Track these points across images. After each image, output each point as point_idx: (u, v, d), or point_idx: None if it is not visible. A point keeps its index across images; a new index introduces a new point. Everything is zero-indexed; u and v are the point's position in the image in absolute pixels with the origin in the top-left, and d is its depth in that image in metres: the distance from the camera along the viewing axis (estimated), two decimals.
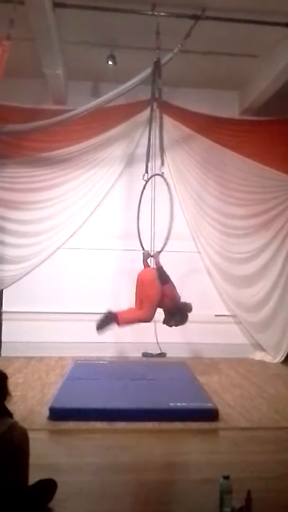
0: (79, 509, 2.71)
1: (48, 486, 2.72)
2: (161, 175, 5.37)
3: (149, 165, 5.72)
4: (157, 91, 5.50)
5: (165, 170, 5.51)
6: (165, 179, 5.37)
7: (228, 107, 7.10)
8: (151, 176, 5.67)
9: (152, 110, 5.72)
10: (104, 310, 5.20)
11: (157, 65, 5.35)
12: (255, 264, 7.04)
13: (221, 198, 7.08)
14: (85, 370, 5.69)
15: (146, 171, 5.70)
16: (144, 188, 5.67)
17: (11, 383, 2.73)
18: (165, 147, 6.75)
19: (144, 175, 5.70)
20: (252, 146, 6.97)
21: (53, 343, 6.65)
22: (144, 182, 5.70)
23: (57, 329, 6.71)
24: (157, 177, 5.63)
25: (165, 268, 5.28)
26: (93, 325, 6.68)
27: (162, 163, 5.44)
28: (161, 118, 5.58)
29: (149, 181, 5.74)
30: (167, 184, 5.37)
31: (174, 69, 5.64)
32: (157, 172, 5.56)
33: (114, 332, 6.73)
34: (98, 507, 2.74)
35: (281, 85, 6.14)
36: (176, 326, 5.39)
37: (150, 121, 5.74)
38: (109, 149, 6.91)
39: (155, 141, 6.68)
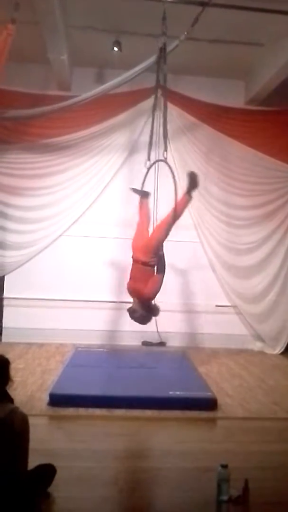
0: (78, 495, 2.73)
1: (47, 471, 2.74)
2: (164, 160, 5.28)
3: (152, 153, 5.65)
4: (162, 77, 5.42)
5: (168, 157, 5.47)
6: (168, 165, 5.29)
7: (234, 97, 7.04)
8: (154, 163, 5.58)
9: (156, 97, 5.64)
10: None
11: (161, 51, 5.28)
12: (257, 255, 7.04)
13: (224, 188, 7.05)
14: (85, 357, 5.72)
15: (148, 159, 5.57)
16: (146, 175, 5.54)
17: (12, 369, 2.74)
18: (169, 136, 6.73)
19: (146, 163, 5.57)
20: (256, 136, 6.92)
21: (54, 330, 6.67)
22: (146, 170, 5.59)
23: (58, 316, 6.73)
24: (160, 164, 5.56)
25: (167, 257, 5.17)
26: (93, 313, 6.80)
27: (165, 149, 5.38)
28: (165, 105, 5.51)
29: (152, 169, 5.68)
30: (170, 168, 5.27)
31: (180, 57, 5.58)
32: (158, 159, 5.49)
33: (115, 320, 6.83)
34: (96, 492, 2.76)
35: (287, 75, 6.08)
36: (135, 321, 5.06)
37: (153, 107, 5.66)
38: (113, 137, 6.87)
39: (160, 129, 6.69)
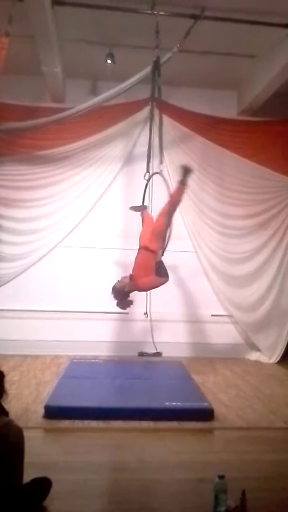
0: (74, 508, 2.70)
1: (43, 485, 2.71)
2: (160, 173, 5.41)
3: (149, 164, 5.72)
4: (156, 90, 5.50)
5: (163, 169, 5.57)
6: (163, 177, 5.40)
7: (226, 107, 7.10)
8: (152, 175, 5.68)
9: (153, 108, 5.72)
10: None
11: (156, 64, 5.35)
12: (251, 265, 7.04)
13: (219, 198, 7.08)
14: (80, 368, 5.68)
15: (148, 171, 5.70)
16: (146, 187, 5.67)
17: (6, 381, 2.72)
18: (163, 147, 6.79)
19: (145, 174, 5.69)
20: (250, 146, 6.97)
21: (49, 341, 6.63)
22: (145, 182, 5.70)
23: (53, 327, 6.69)
24: (155, 176, 5.65)
25: None
26: (88, 324, 6.77)
27: (161, 162, 5.47)
28: (160, 118, 5.58)
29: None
30: (165, 181, 5.39)
31: (173, 69, 5.63)
32: (155, 171, 5.58)
33: (110, 331, 6.80)
34: (92, 506, 2.73)
35: (279, 86, 6.14)
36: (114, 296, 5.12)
37: (150, 119, 5.73)
38: (107, 148, 6.89)
39: (153, 140, 6.74)
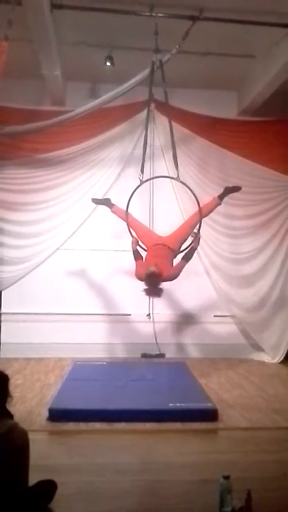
0: (79, 510, 2.71)
1: (48, 487, 2.72)
2: (179, 180, 5.41)
3: (147, 165, 5.68)
4: (161, 93, 5.48)
5: (163, 169, 5.55)
6: (188, 187, 5.43)
7: (226, 108, 7.12)
8: (150, 178, 5.61)
9: (149, 111, 5.67)
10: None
11: (154, 66, 5.34)
12: (253, 265, 7.04)
13: None
14: (84, 371, 5.69)
15: (142, 171, 5.45)
16: (135, 189, 5.39)
17: (10, 384, 2.72)
18: (163, 147, 6.80)
19: (139, 175, 5.42)
20: (250, 146, 6.98)
21: (52, 344, 6.64)
22: (138, 182, 5.44)
23: (56, 330, 6.70)
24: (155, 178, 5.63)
25: None
26: (92, 326, 6.77)
27: (176, 167, 5.41)
28: (170, 121, 5.51)
29: (147, 182, 5.71)
30: (191, 191, 5.42)
31: (172, 70, 5.61)
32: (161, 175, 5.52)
33: (113, 333, 6.81)
34: (98, 507, 2.73)
35: (279, 86, 6.15)
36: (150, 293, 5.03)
37: (147, 120, 5.68)
38: (108, 150, 6.91)
39: (153, 142, 6.76)
